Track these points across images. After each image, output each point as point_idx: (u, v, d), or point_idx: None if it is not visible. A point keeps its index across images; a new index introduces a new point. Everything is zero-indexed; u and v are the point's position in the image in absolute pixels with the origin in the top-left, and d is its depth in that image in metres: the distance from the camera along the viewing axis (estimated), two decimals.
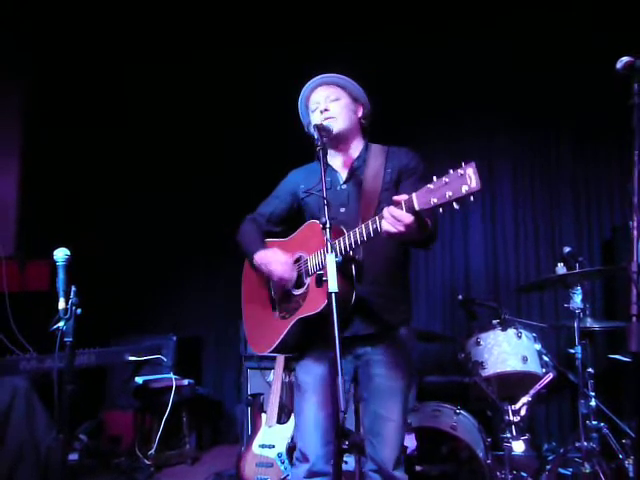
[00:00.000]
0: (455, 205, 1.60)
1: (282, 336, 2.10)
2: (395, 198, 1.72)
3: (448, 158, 4.57)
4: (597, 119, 4.09)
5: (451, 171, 1.61)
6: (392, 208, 1.71)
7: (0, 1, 4.12)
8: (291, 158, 2.40)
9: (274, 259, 2.10)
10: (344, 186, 2.20)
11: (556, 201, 4.29)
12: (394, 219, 1.70)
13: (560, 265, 3.04)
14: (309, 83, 2.25)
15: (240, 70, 4.76)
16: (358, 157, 2.23)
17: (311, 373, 2.14)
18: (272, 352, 2.17)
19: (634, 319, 1.58)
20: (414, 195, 1.67)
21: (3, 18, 4.23)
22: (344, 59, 4.10)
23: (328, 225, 1.83)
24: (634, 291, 1.61)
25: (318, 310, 1.93)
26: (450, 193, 1.59)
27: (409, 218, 1.68)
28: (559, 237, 4.22)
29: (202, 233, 4.95)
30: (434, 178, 1.64)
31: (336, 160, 2.26)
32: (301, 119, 2.33)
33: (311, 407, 2.11)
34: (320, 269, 1.95)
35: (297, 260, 2.14)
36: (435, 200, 1.62)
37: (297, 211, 2.32)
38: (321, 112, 2.17)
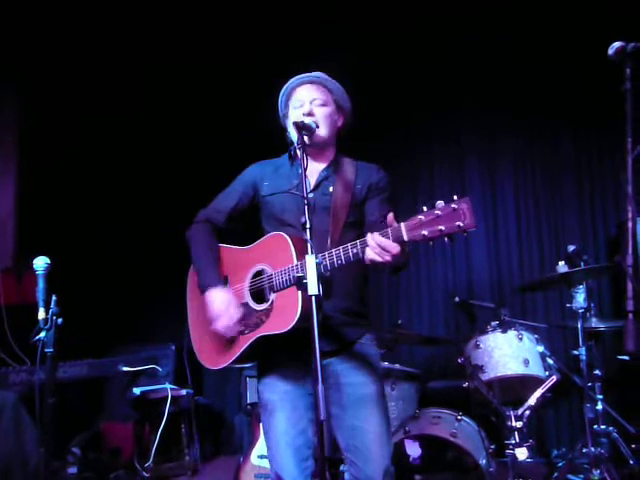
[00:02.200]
0: (446, 240, 1.56)
1: (240, 352, 1.99)
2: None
3: (448, 159, 4.51)
4: (599, 113, 3.99)
5: (442, 203, 1.57)
6: (378, 236, 1.65)
7: None
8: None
9: (225, 313, 1.96)
10: (310, 194, 2.07)
11: (559, 198, 4.19)
12: (381, 249, 1.65)
13: (561, 263, 2.94)
14: (297, 77, 2.14)
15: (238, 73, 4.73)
16: (327, 167, 2.14)
17: (277, 391, 2.02)
18: (226, 367, 2.06)
19: (630, 316, 1.48)
20: (402, 225, 1.62)
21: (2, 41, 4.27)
22: (337, 54, 4.14)
23: (308, 226, 1.75)
24: (629, 286, 1.51)
25: (287, 329, 1.84)
26: (442, 228, 1.55)
27: (396, 248, 1.63)
28: (563, 235, 4.12)
29: None
30: (424, 208, 1.60)
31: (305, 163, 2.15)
32: (279, 110, 2.21)
33: (281, 426, 1.98)
34: (288, 286, 1.87)
35: (258, 273, 2.02)
36: (426, 233, 1.57)
37: (256, 207, 2.18)
38: (304, 114, 2.06)
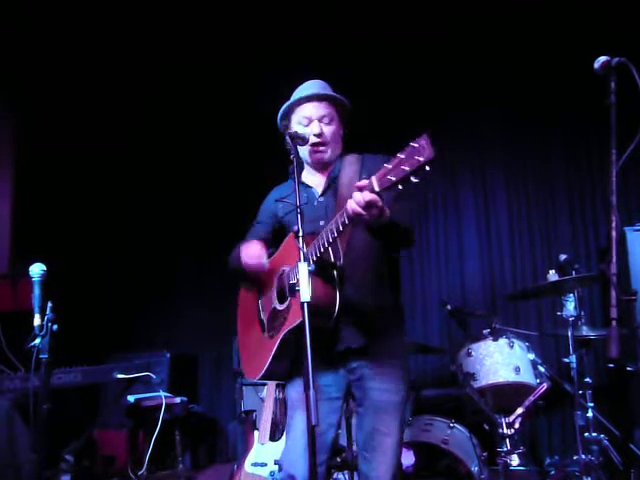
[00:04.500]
0: (413, 179, 1.61)
1: (271, 356, 2.00)
2: (357, 184, 1.75)
3: (441, 169, 4.55)
4: (590, 124, 4.04)
5: (406, 147, 1.62)
6: (357, 193, 1.74)
7: None
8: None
9: (245, 248, 2.07)
10: (321, 199, 2.15)
11: (551, 209, 4.23)
12: (356, 204, 1.74)
13: (552, 272, 2.97)
14: (304, 92, 2.14)
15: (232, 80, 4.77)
16: (333, 169, 2.19)
17: (300, 390, 2.01)
18: (263, 377, 2.06)
19: (613, 323, 1.51)
20: (373, 178, 1.71)
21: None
22: (332, 65, 4.18)
23: (301, 234, 1.80)
24: (613, 294, 1.54)
25: (300, 320, 1.82)
26: (406, 167, 1.61)
27: (370, 195, 1.72)
28: (555, 245, 4.15)
29: (198, 250, 4.93)
30: (390, 158, 1.67)
31: (314, 177, 2.20)
32: (279, 118, 2.22)
33: (299, 426, 2.01)
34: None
35: (280, 275, 2.08)
36: (394, 178, 1.64)
37: (280, 230, 2.24)
38: (314, 135, 2.09)
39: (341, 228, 1.81)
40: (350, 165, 2.15)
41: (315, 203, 2.13)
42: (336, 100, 2.15)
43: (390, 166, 1.65)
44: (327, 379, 2.03)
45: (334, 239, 1.83)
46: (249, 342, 2.19)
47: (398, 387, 2.04)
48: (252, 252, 2.05)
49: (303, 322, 1.69)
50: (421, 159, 1.57)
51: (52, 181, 4.72)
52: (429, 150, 1.56)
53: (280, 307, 2.02)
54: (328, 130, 2.11)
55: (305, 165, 2.21)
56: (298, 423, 2.02)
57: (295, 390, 2.08)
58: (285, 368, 2.08)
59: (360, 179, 2.07)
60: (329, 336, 1.71)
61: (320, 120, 2.10)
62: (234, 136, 4.71)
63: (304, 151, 2.12)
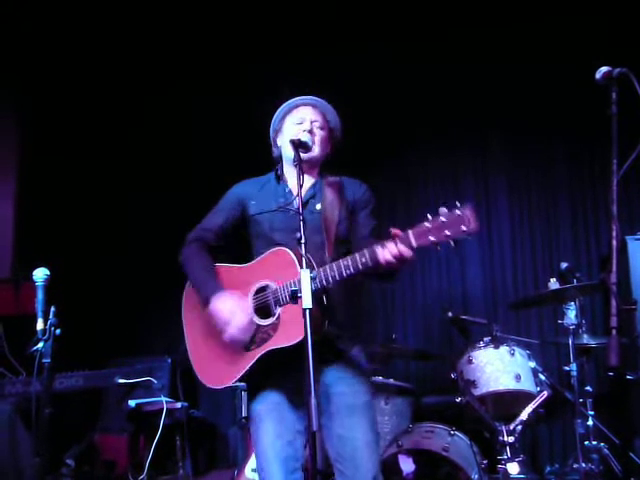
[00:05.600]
0: (452, 243, 1.69)
1: (247, 368, 1.99)
2: (394, 233, 1.78)
3: (443, 175, 4.57)
4: (592, 132, 4.04)
5: (446, 210, 1.69)
6: (393, 246, 1.77)
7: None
8: None
9: (234, 316, 1.98)
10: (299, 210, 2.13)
11: (553, 216, 4.24)
12: (392, 256, 1.77)
13: (553, 281, 2.98)
14: (302, 97, 2.22)
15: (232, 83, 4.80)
16: (313, 185, 2.20)
17: (266, 402, 2.04)
18: (231, 384, 2.04)
19: (613, 332, 1.52)
20: (410, 233, 1.75)
21: (3, 53, 4.34)
22: (332, 65, 4.21)
23: (303, 241, 1.81)
24: (613, 303, 1.55)
25: (295, 341, 1.85)
26: (448, 233, 1.68)
27: (409, 252, 1.76)
28: (557, 253, 4.16)
29: None
30: (429, 216, 1.72)
31: (292, 181, 2.19)
32: (272, 123, 2.26)
33: (268, 436, 2.00)
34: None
35: (262, 289, 2.04)
36: (433, 239, 1.70)
37: (244, 225, 2.23)
38: (304, 131, 2.13)
39: (360, 267, 1.83)
40: (332, 188, 2.18)
41: (291, 213, 2.08)
42: (327, 112, 2.21)
43: (430, 226, 1.71)
44: (289, 388, 2.01)
45: (349, 275, 1.85)
46: (210, 346, 2.10)
47: (360, 389, 2.04)
48: (242, 324, 1.98)
49: (304, 329, 1.69)
50: (465, 229, 1.66)
51: (54, 181, 4.71)
52: (475, 223, 1.66)
53: (262, 322, 2.00)
54: (318, 133, 2.17)
55: (287, 166, 2.22)
56: (266, 434, 2.01)
57: (261, 402, 2.06)
58: (254, 378, 2.06)
59: (342, 203, 2.14)
60: (298, 351, 1.71)
61: (312, 123, 2.17)
62: (234, 136, 4.72)
63: (291, 150, 2.05)
